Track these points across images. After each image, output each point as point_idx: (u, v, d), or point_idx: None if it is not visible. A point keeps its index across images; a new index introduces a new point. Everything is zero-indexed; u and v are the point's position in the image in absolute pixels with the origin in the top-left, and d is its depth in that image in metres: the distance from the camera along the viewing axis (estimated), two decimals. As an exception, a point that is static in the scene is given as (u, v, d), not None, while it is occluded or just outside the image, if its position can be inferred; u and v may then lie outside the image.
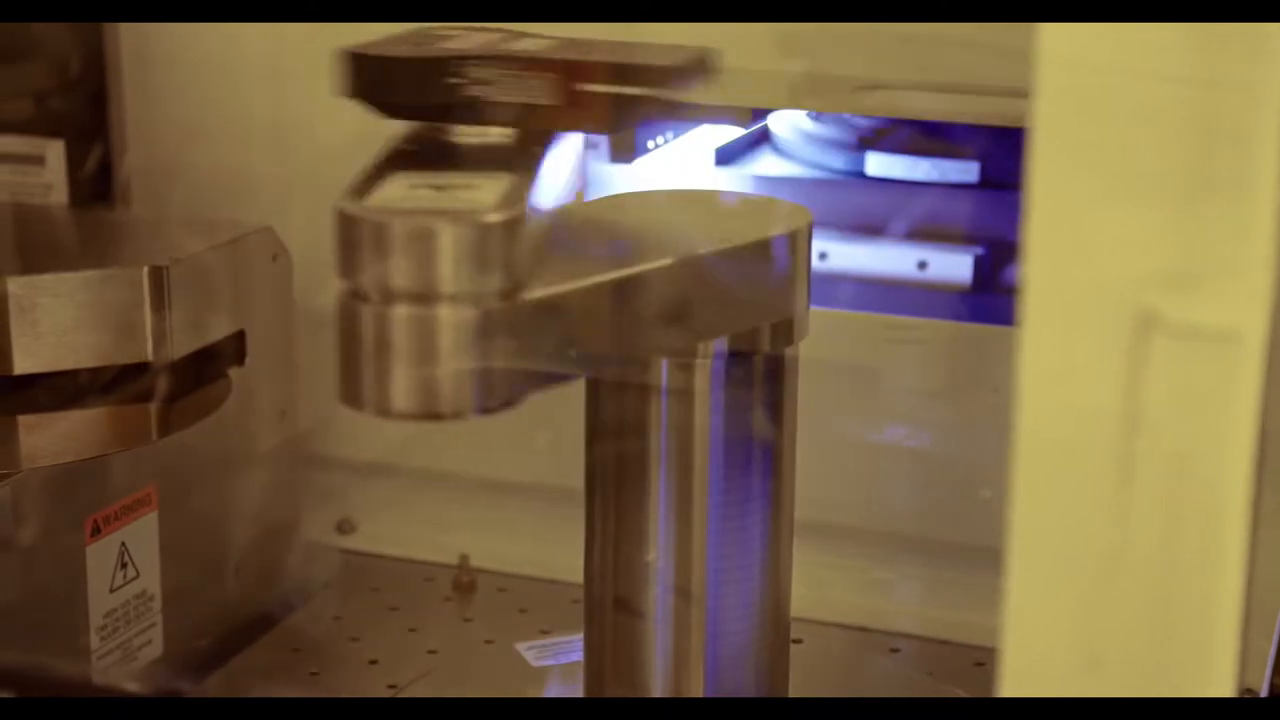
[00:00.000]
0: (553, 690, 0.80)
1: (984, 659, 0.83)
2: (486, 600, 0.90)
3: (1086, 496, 0.44)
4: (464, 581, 0.91)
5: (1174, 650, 0.45)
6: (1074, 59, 0.42)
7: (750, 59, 0.85)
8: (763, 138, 0.99)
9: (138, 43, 0.94)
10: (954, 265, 0.90)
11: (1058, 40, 0.42)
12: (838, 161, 0.95)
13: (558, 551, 0.88)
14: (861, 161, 0.94)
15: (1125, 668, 0.45)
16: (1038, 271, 0.43)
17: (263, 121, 0.93)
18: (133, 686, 0.72)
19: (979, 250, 0.90)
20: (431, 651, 0.84)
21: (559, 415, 0.90)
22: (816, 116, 0.98)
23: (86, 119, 0.94)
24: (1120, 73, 0.42)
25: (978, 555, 0.85)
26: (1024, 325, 0.44)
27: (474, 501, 0.95)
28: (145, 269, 0.77)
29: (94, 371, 0.78)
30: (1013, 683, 0.45)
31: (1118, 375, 0.43)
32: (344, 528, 0.95)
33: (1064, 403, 0.44)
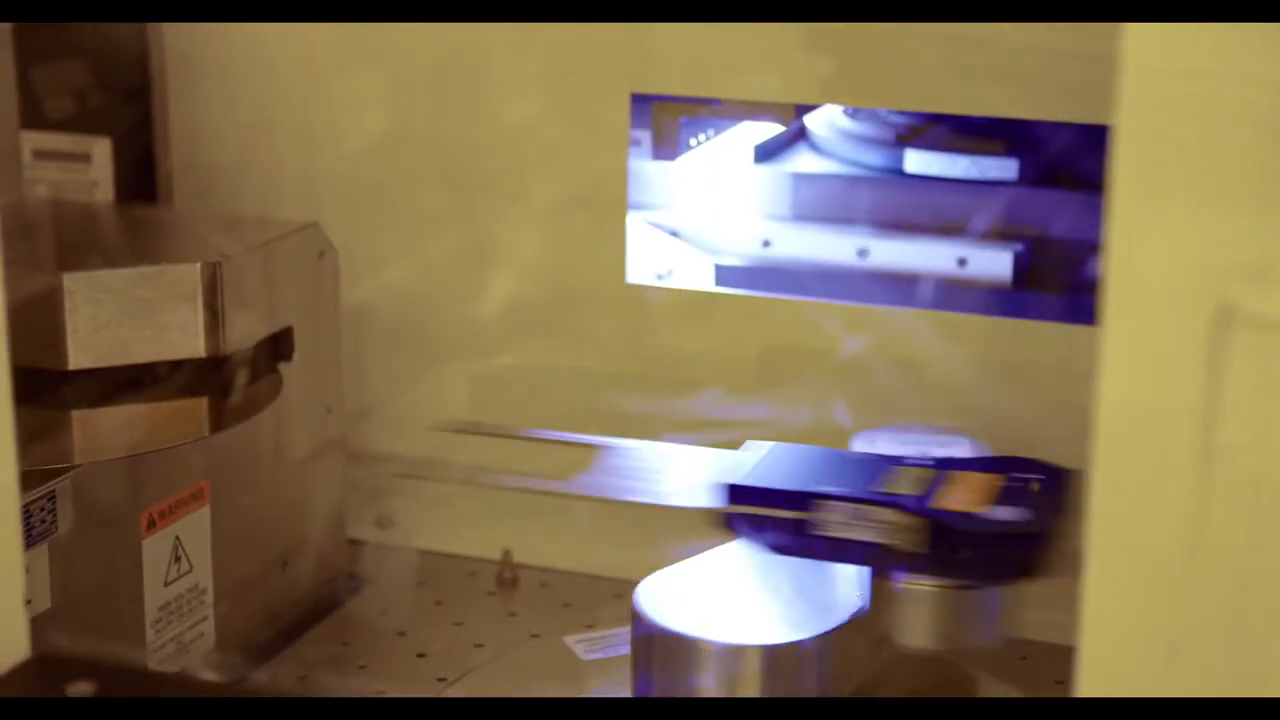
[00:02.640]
0: (604, 685, 0.80)
1: (1028, 653, 0.83)
2: (529, 595, 0.91)
3: (1165, 487, 0.45)
4: (507, 577, 0.92)
5: (1250, 640, 0.45)
6: (1157, 62, 0.43)
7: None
8: (800, 135, 1.00)
9: (181, 43, 0.95)
10: (993, 262, 0.91)
11: (1141, 43, 0.43)
12: (876, 159, 0.96)
13: (599, 547, 0.89)
14: (899, 158, 0.95)
15: (1202, 657, 0.45)
16: (1119, 267, 0.44)
17: (306, 121, 0.94)
18: (194, 677, 0.72)
19: (1018, 246, 0.91)
20: (479, 645, 0.85)
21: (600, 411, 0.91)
22: (853, 113, 0.98)
23: (132, 117, 0.94)
24: (1201, 76, 0.43)
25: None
26: (1105, 320, 0.44)
27: (515, 497, 0.96)
28: (199, 265, 0.78)
29: (147, 367, 0.79)
30: (1091, 669, 0.46)
31: (1198, 367, 0.44)
32: (383, 523, 0.96)
33: (1144, 394, 0.44)
